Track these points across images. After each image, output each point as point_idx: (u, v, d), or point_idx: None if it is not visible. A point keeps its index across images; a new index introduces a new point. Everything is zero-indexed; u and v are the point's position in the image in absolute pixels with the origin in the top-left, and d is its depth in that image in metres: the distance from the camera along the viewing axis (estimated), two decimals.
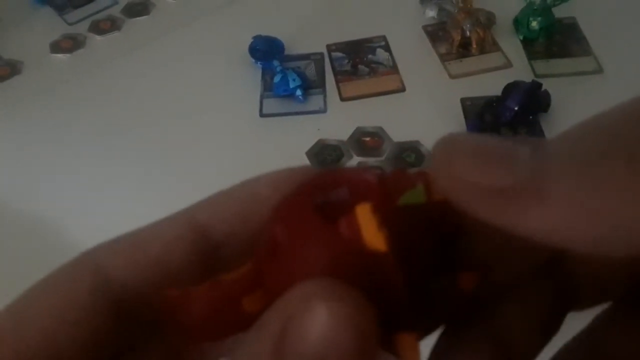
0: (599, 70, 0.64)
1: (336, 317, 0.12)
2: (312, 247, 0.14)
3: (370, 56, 0.67)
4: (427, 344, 0.17)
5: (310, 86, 0.64)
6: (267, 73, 0.65)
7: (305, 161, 0.58)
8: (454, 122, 0.60)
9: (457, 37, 0.66)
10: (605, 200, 0.11)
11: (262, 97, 0.64)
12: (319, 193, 0.15)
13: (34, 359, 0.14)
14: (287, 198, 0.15)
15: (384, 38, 0.69)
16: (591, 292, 0.17)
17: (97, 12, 0.76)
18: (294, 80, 0.62)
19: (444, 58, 0.66)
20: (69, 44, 0.72)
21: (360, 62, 0.66)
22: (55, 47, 0.72)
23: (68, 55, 0.71)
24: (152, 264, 0.16)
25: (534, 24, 0.66)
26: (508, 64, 0.65)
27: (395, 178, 0.15)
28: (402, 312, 0.13)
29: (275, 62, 0.64)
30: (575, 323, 0.18)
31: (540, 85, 0.58)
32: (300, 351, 0.12)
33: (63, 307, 0.15)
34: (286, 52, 0.67)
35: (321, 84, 0.65)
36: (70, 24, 0.75)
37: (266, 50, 0.66)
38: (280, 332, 0.12)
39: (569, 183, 0.11)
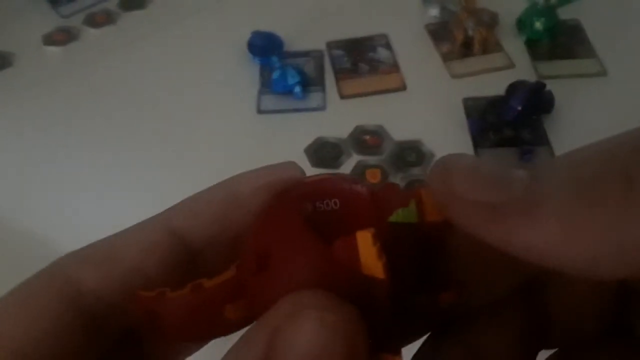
0: (602, 72, 0.63)
1: (327, 327, 0.11)
2: (303, 264, 0.13)
3: (371, 54, 0.66)
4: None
5: (309, 83, 0.63)
6: (265, 69, 0.64)
7: (303, 159, 0.56)
8: (456, 122, 0.59)
9: (460, 37, 0.65)
10: (599, 222, 0.11)
11: (259, 94, 0.62)
12: (308, 203, 0.14)
13: None
14: (274, 206, 0.15)
15: (385, 36, 0.67)
16: (564, 330, 0.17)
17: (93, 5, 0.74)
18: (292, 77, 0.61)
19: (446, 57, 0.65)
20: (63, 37, 0.71)
21: (360, 60, 0.65)
22: (48, 40, 0.70)
23: (61, 47, 0.70)
24: (127, 273, 0.15)
25: (538, 25, 0.65)
26: (511, 65, 0.64)
27: (387, 193, 0.15)
28: (388, 332, 0.13)
29: (274, 59, 0.63)
30: None
31: (544, 85, 0.57)
32: None
33: (32, 320, 0.14)
34: (285, 49, 0.66)
35: (320, 82, 0.63)
36: (64, 17, 0.73)
37: (265, 46, 0.65)
38: (266, 345, 0.11)
39: (562, 203, 0.11)
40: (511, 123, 0.56)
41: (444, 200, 0.13)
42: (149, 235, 0.16)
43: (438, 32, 0.68)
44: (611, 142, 0.12)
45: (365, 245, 0.13)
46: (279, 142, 0.58)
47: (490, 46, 0.65)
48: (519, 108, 0.55)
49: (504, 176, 0.13)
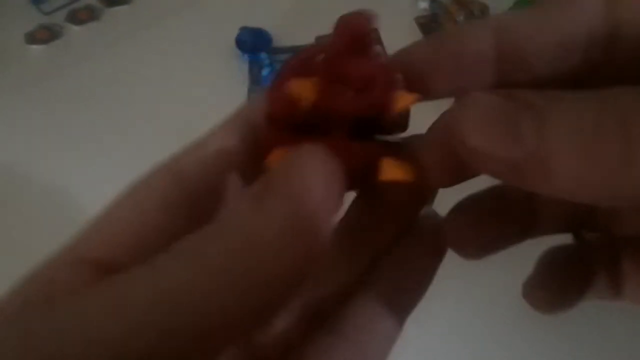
0: None
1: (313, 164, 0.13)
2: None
3: None
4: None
5: None
6: (254, 66, 0.63)
7: None
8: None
9: None
10: (604, 175, 0.13)
11: (249, 91, 0.61)
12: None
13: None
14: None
15: (375, 30, 0.67)
16: (549, 222, 0.20)
17: (75, 1, 0.73)
18: None
19: None
20: (45, 35, 0.69)
21: None
22: (31, 38, 0.69)
23: (44, 46, 0.68)
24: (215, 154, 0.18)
25: None
26: None
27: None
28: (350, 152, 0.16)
29: (263, 55, 0.62)
30: None
31: None
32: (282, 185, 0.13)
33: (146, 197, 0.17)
34: (274, 45, 0.65)
35: None
36: (46, 14, 0.72)
37: (253, 43, 0.64)
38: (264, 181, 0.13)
39: (569, 161, 0.13)
40: None
41: (464, 153, 0.15)
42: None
43: (428, 26, 0.67)
44: (607, 92, 0.13)
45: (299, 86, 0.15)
46: None
47: None
48: None
49: (513, 124, 0.14)
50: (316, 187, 0.12)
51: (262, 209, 0.12)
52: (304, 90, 0.15)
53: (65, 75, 0.65)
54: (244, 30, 0.64)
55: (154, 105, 0.62)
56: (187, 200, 0.16)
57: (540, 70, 0.16)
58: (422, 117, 0.20)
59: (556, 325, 0.45)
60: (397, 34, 0.67)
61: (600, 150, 0.13)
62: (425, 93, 0.17)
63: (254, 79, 0.62)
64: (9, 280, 0.15)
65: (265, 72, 0.60)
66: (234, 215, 0.12)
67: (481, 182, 0.19)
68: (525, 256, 0.49)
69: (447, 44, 0.17)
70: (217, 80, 0.63)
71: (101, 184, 0.56)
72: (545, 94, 0.14)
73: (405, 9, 0.69)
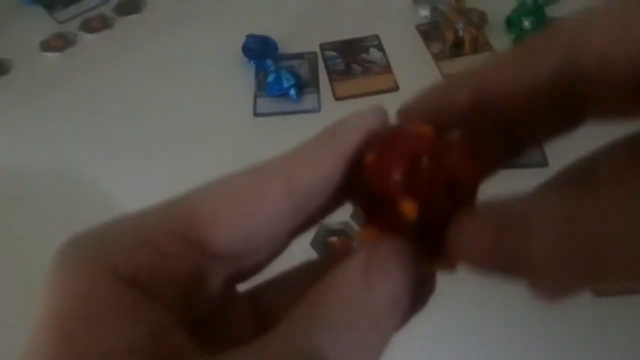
0: None
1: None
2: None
3: (363, 55, 0.67)
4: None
5: (304, 85, 0.64)
6: (260, 72, 0.65)
7: None
8: None
9: (450, 37, 0.66)
10: None
11: (255, 97, 0.64)
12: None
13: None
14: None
15: (377, 37, 0.69)
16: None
17: (88, 10, 0.75)
18: (287, 79, 0.62)
19: (437, 57, 0.66)
20: (59, 43, 0.72)
21: (353, 61, 0.67)
22: (46, 46, 0.71)
23: (58, 53, 0.71)
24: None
25: (526, 24, 0.66)
26: None
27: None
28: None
29: (269, 62, 0.64)
30: None
31: None
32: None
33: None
34: (279, 52, 0.67)
35: (315, 83, 0.65)
36: (60, 22, 0.74)
37: (259, 50, 0.66)
38: (365, 258, 0.16)
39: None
40: None
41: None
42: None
43: (429, 33, 0.69)
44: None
45: None
46: (276, 144, 0.59)
47: (480, 46, 0.67)
48: None
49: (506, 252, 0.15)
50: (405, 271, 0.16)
51: (372, 284, 0.16)
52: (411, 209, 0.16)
53: (79, 81, 0.68)
54: (250, 37, 0.66)
55: (163, 109, 0.64)
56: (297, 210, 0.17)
57: (513, 115, 0.17)
58: None
59: (557, 325, 0.47)
60: (398, 41, 0.69)
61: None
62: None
63: (260, 85, 0.64)
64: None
65: (270, 78, 0.63)
66: (348, 290, 0.16)
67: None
68: None
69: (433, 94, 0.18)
70: (224, 85, 0.65)
71: (111, 184, 0.58)
72: (524, 198, 0.15)
73: (406, 17, 0.71)
